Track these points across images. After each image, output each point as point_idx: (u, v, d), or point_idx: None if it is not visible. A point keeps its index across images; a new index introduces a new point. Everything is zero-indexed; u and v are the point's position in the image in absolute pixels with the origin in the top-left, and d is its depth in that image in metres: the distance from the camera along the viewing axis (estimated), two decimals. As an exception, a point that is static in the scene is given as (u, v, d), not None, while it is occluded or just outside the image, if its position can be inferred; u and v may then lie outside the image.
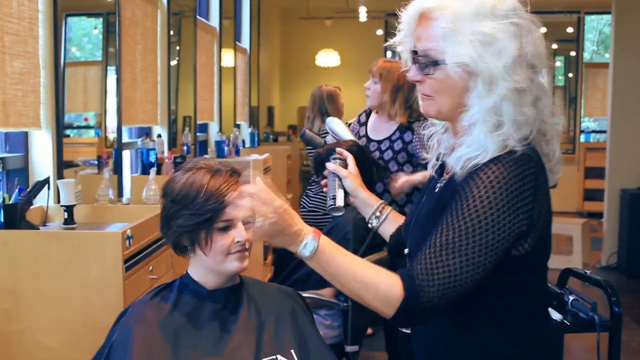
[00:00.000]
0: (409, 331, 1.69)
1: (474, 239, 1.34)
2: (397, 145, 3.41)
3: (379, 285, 1.38)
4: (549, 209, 1.45)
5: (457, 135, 1.52)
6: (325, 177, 1.95)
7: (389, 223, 1.89)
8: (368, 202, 1.89)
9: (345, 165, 1.93)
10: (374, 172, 2.13)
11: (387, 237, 1.91)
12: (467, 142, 1.44)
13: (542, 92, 1.47)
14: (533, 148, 1.44)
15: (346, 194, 1.92)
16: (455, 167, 1.44)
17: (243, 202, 1.41)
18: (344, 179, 1.88)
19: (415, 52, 1.50)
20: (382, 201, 1.91)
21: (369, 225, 1.93)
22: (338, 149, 1.97)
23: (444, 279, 1.34)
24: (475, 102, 1.43)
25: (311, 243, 1.40)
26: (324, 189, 1.93)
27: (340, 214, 1.91)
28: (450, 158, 1.48)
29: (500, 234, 1.34)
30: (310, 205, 4.78)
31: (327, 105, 5.05)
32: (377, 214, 1.88)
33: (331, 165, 1.90)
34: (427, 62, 1.47)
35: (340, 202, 1.93)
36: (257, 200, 1.39)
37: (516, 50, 1.42)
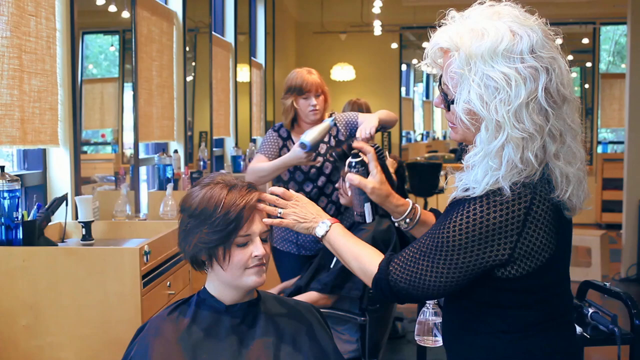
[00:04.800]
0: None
1: (442, 254, 1.49)
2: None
3: (365, 259, 1.64)
4: (554, 240, 1.48)
5: None
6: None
7: (420, 226, 1.86)
8: (398, 210, 1.84)
9: (367, 172, 1.84)
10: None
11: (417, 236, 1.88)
12: (470, 175, 1.50)
13: (555, 135, 1.46)
14: (532, 185, 1.46)
15: (374, 204, 1.86)
16: (457, 189, 1.53)
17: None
18: (370, 195, 1.83)
19: (440, 81, 1.55)
20: (411, 206, 1.85)
21: (398, 225, 1.87)
22: (357, 144, 1.85)
23: (410, 273, 1.53)
24: (480, 144, 1.47)
25: (324, 226, 1.71)
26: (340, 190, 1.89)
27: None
28: (457, 179, 1.54)
29: (466, 258, 1.47)
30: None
31: None
32: (407, 220, 1.84)
33: (354, 179, 1.82)
34: (445, 97, 1.53)
35: (369, 218, 1.90)
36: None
37: (528, 96, 1.42)
